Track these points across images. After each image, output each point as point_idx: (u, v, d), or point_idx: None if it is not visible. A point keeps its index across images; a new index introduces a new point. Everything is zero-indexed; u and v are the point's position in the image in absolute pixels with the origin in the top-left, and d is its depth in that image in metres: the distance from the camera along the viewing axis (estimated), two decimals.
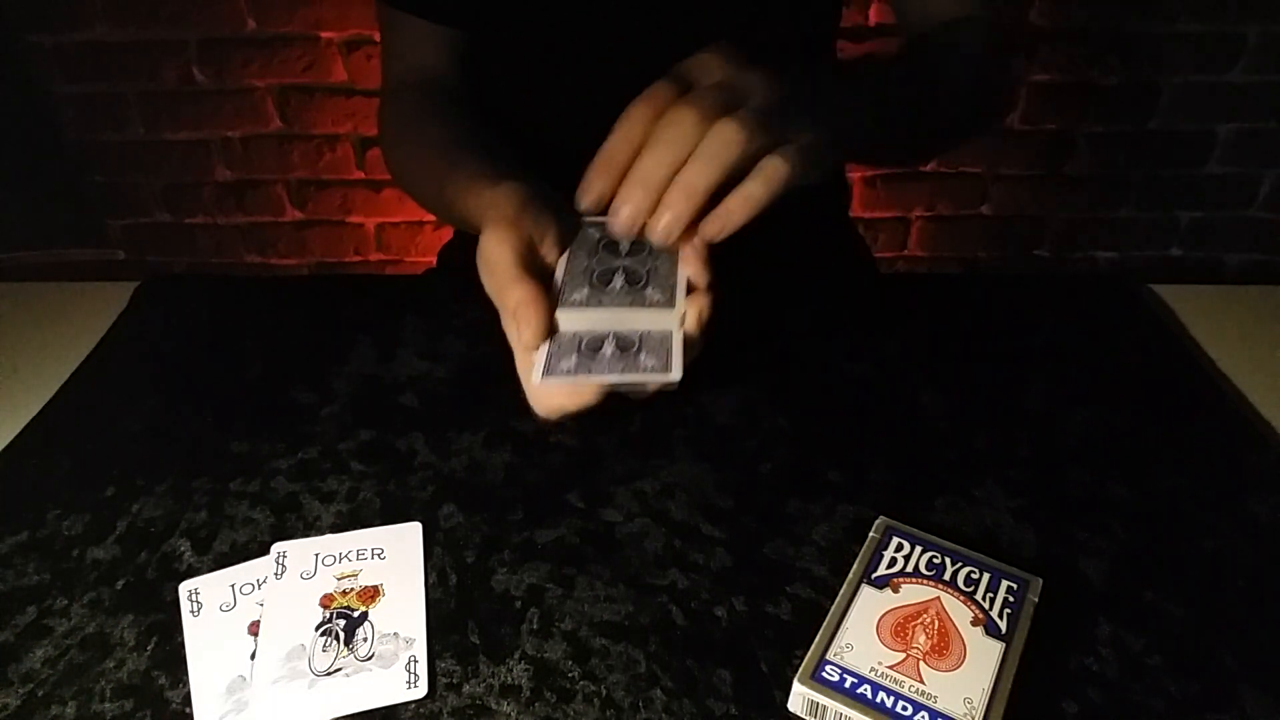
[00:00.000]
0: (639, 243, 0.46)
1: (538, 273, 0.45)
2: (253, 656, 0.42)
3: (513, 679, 0.42)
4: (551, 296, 0.44)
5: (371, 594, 0.45)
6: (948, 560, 0.45)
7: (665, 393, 0.58)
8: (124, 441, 0.56)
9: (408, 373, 0.61)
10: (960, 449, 0.55)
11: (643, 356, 0.43)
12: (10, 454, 0.55)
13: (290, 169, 1.67)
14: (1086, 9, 1.52)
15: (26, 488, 0.52)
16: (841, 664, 0.40)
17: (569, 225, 0.48)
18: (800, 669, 0.40)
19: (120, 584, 0.46)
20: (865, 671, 0.40)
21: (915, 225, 1.75)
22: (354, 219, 1.73)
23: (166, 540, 0.49)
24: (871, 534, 0.47)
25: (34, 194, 1.68)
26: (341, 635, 0.43)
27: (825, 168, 0.47)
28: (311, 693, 0.41)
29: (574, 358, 0.43)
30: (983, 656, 0.40)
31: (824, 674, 0.40)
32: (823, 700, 0.39)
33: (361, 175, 1.67)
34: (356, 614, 0.44)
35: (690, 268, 0.45)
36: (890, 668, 0.40)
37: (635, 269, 0.45)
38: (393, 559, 0.47)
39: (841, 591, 0.44)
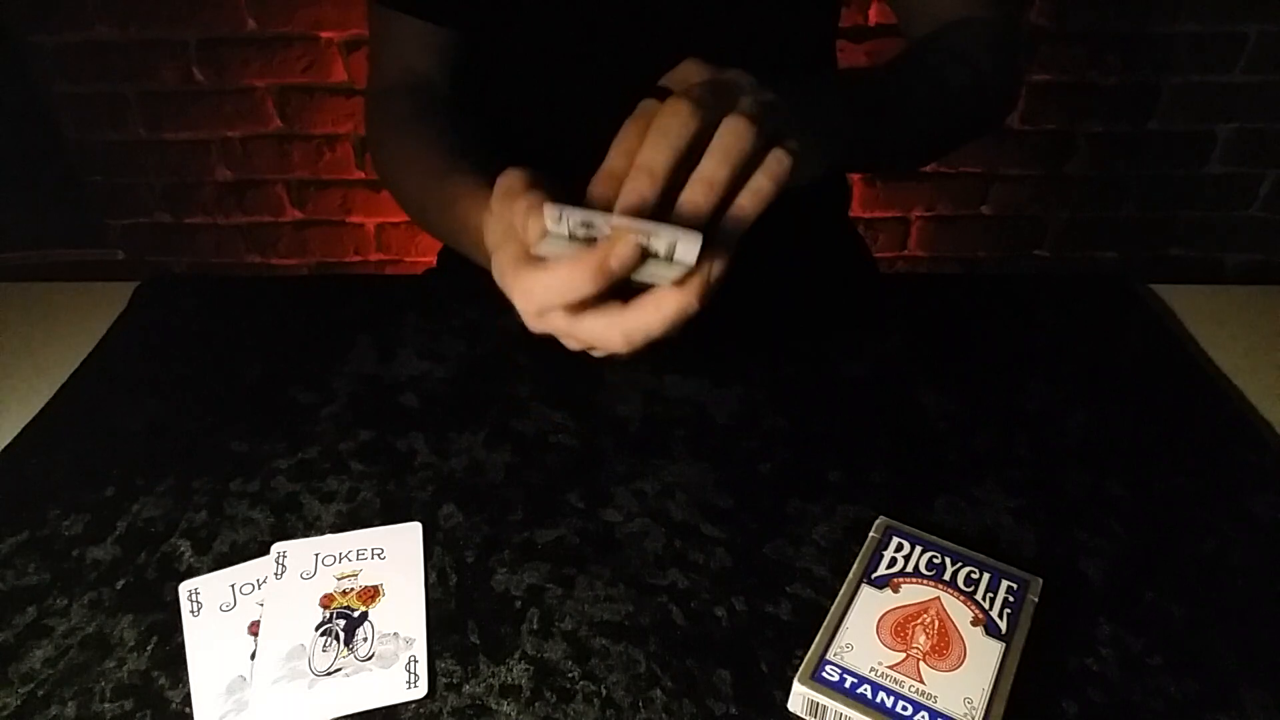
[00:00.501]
0: None
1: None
2: (253, 656, 0.42)
3: (513, 679, 0.42)
4: None
5: (371, 594, 0.45)
6: (948, 560, 0.45)
7: (665, 394, 0.58)
8: (124, 441, 0.56)
9: (408, 373, 0.61)
10: (960, 449, 0.55)
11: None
12: (10, 454, 0.55)
13: (290, 169, 1.67)
14: (1086, 9, 1.52)
15: (26, 488, 0.52)
16: (841, 664, 0.40)
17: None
18: (800, 669, 0.40)
19: (120, 584, 0.46)
20: (865, 671, 0.40)
21: (915, 225, 1.75)
22: (354, 219, 1.73)
23: (166, 540, 0.49)
24: (871, 534, 0.47)
25: (34, 194, 1.68)
26: (341, 635, 0.43)
27: (815, 167, 0.47)
28: (311, 693, 0.41)
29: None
30: (983, 656, 0.40)
31: (824, 674, 0.40)
32: (823, 700, 0.39)
33: (361, 175, 1.67)
34: (356, 614, 0.44)
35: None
36: (890, 668, 0.40)
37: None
38: (393, 559, 0.47)
39: (841, 591, 0.44)
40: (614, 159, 0.44)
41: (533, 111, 0.75)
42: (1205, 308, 0.69)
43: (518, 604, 0.45)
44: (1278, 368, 0.63)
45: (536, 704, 0.40)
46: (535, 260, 0.43)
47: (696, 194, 0.42)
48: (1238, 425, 0.57)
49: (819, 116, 0.49)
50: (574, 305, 0.42)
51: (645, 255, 0.41)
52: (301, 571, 0.46)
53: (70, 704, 0.41)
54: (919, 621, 0.42)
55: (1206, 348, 0.65)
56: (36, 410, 0.58)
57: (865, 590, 0.44)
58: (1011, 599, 0.43)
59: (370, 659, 0.42)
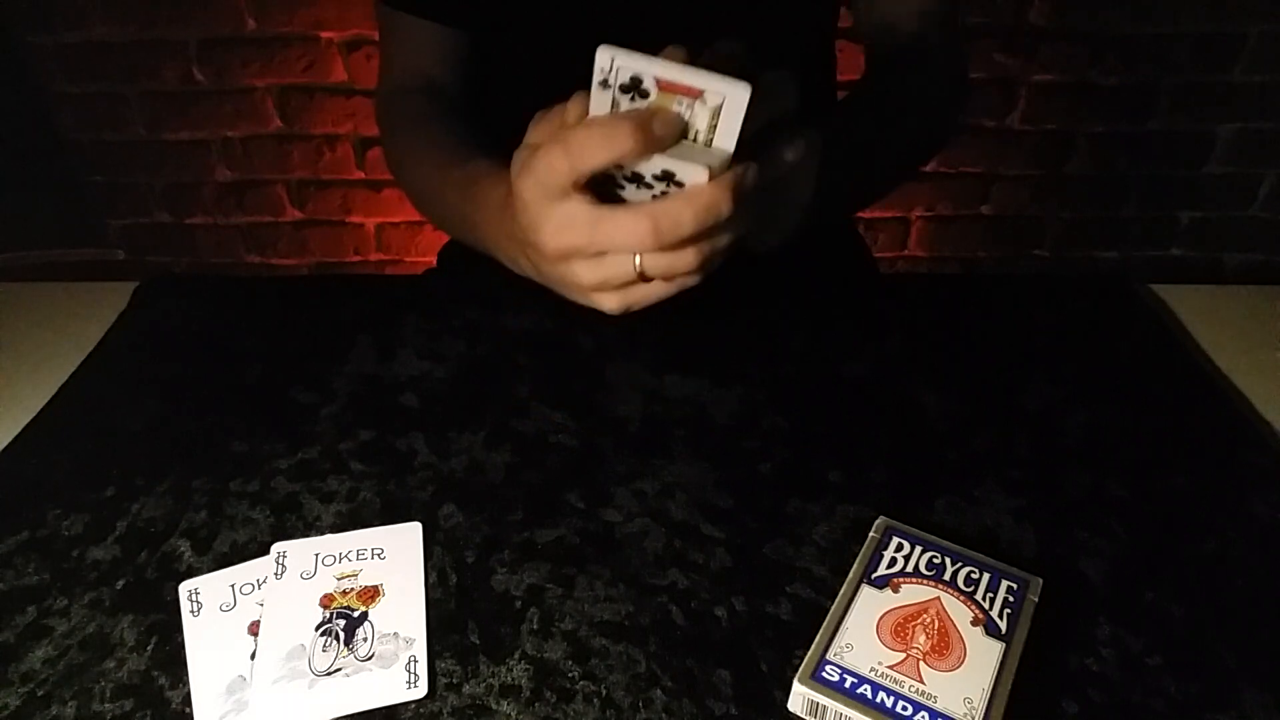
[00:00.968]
0: None
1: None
2: (253, 656, 0.42)
3: (513, 679, 0.42)
4: None
5: (371, 594, 0.45)
6: (948, 560, 0.45)
7: (665, 394, 0.58)
8: (124, 441, 0.56)
9: (408, 373, 0.61)
10: (960, 449, 0.55)
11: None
12: (10, 454, 0.55)
13: (290, 169, 1.67)
14: (1086, 9, 1.52)
15: (26, 488, 0.52)
16: (841, 664, 0.40)
17: None
18: (800, 669, 0.40)
19: (120, 584, 0.46)
20: (865, 671, 0.40)
21: (915, 225, 1.76)
22: (354, 219, 1.73)
23: (166, 540, 0.49)
24: (871, 534, 0.47)
25: (34, 194, 1.68)
26: (341, 635, 0.43)
27: (781, 234, 0.51)
28: (311, 693, 0.41)
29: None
30: (983, 656, 0.40)
31: (824, 674, 0.40)
32: (823, 700, 0.39)
33: (361, 175, 1.67)
34: (356, 614, 0.44)
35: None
36: (890, 668, 0.40)
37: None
38: (393, 559, 0.47)
39: (841, 591, 0.44)
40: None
41: (537, 110, 0.75)
42: (1205, 308, 0.69)
43: (518, 604, 0.45)
44: (1278, 368, 0.63)
45: (536, 704, 0.40)
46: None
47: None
48: (1238, 425, 0.57)
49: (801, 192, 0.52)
50: (595, 201, 0.42)
51: (683, 138, 0.40)
52: (301, 571, 0.46)
53: (70, 704, 0.41)
54: (919, 621, 0.42)
55: (1206, 348, 0.65)
56: (36, 410, 0.58)
57: (865, 590, 0.44)
58: (1011, 599, 0.43)
59: (370, 659, 0.42)
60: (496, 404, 0.58)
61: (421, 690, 0.41)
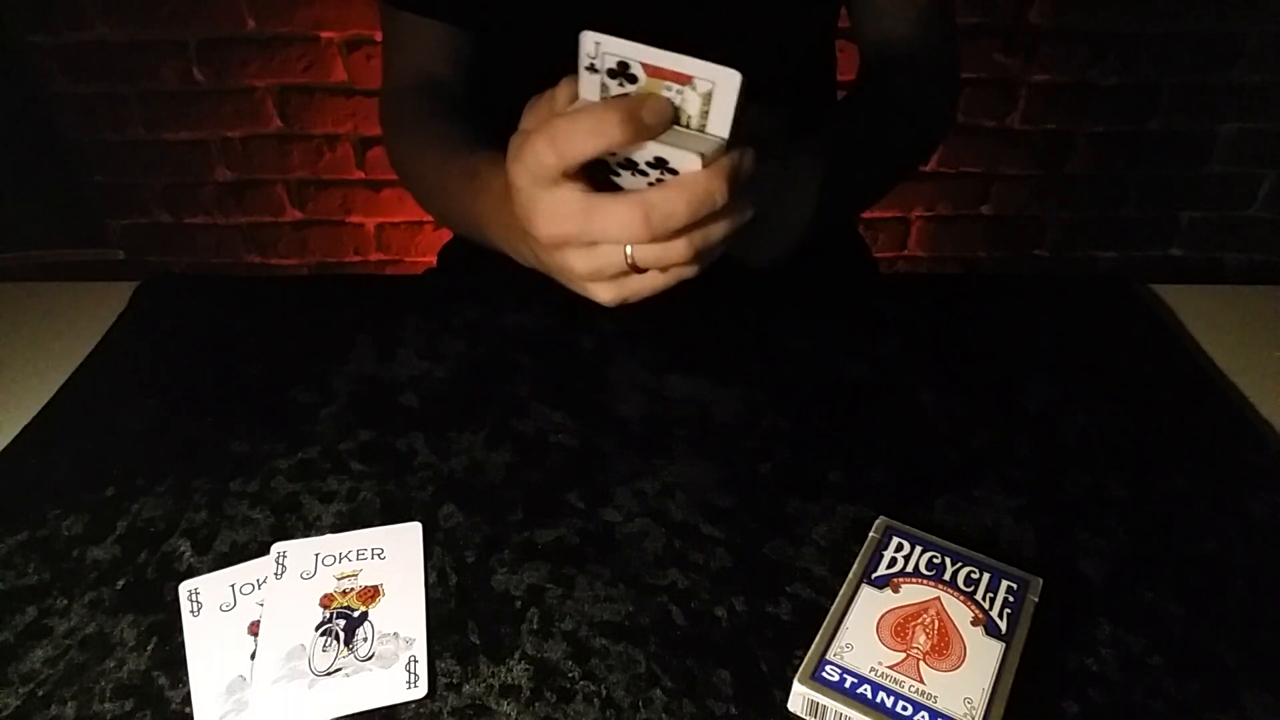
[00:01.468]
0: None
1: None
2: (253, 656, 0.42)
3: (513, 679, 0.42)
4: None
5: (371, 594, 0.45)
6: (948, 560, 0.45)
7: (665, 394, 0.58)
8: (124, 441, 0.56)
9: (408, 373, 0.61)
10: (960, 449, 0.55)
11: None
12: (10, 454, 0.55)
13: (290, 169, 1.67)
14: (1086, 9, 1.52)
15: (26, 488, 0.52)
16: (841, 664, 0.40)
17: None
18: (800, 669, 0.40)
19: (120, 584, 0.46)
20: (865, 671, 0.40)
21: (915, 225, 1.76)
22: (354, 219, 1.73)
23: (166, 540, 0.49)
24: (871, 534, 0.47)
25: (34, 194, 1.68)
26: (341, 635, 0.43)
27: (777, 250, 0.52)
28: (311, 693, 0.41)
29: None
30: (983, 656, 0.40)
31: (824, 674, 0.40)
32: (823, 700, 0.39)
33: (361, 175, 1.67)
34: (356, 614, 0.44)
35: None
36: (890, 668, 0.40)
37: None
38: (393, 559, 0.47)
39: (841, 591, 0.44)
40: None
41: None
42: (1205, 308, 0.69)
43: (518, 604, 0.45)
44: (1278, 367, 0.63)
45: (536, 704, 0.40)
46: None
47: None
48: (1238, 425, 0.57)
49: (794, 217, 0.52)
50: (588, 188, 0.41)
51: (675, 124, 0.39)
52: (301, 571, 0.46)
53: (70, 704, 0.41)
54: (919, 621, 0.42)
55: (1206, 348, 0.65)
56: (36, 410, 0.58)
57: (865, 590, 0.44)
58: (1011, 599, 0.43)
59: (370, 659, 0.42)
60: (496, 404, 0.58)
61: (421, 690, 0.41)
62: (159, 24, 1.52)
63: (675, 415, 0.57)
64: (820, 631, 0.42)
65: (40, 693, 0.41)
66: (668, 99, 0.39)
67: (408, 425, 0.56)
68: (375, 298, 0.70)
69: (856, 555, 0.46)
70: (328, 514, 0.50)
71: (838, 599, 0.43)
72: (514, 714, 0.40)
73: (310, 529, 0.49)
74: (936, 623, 0.42)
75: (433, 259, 0.91)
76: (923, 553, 0.46)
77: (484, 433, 0.56)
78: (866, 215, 1.72)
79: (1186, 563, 0.48)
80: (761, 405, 0.58)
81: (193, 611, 0.44)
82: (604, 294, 0.47)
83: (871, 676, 0.39)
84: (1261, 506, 0.51)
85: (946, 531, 0.47)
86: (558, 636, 0.43)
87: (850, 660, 0.40)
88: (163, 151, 1.65)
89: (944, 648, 0.41)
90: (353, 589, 0.45)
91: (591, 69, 0.40)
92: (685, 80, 0.38)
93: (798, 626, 0.44)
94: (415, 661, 0.42)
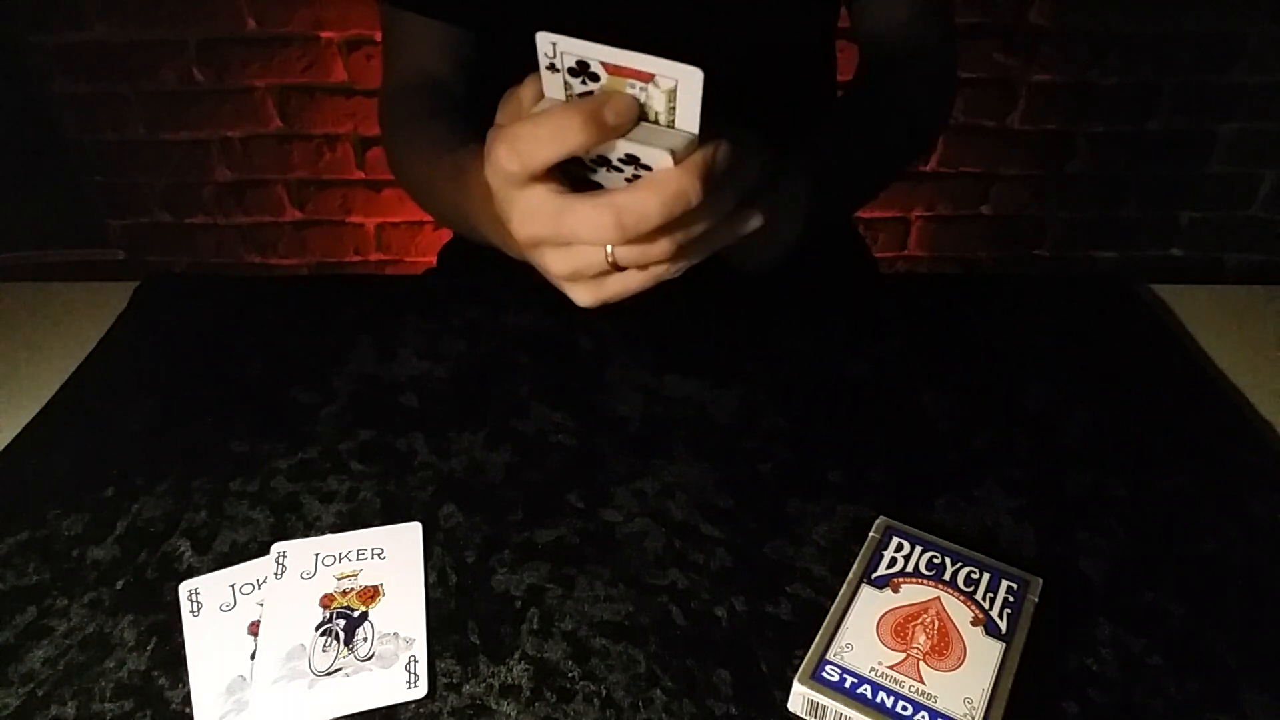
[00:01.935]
0: None
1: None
2: (253, 656, 0.42)
3: (513, 679, 0.42)
4: None
5: (371, 594, 0.45)
6: (948, 560, 0.45)
7: (665, 394, 0.58)
8: (124, 441, 0.56)
9: (408, 373, 0.61)
10: (960, 449, 0.55)
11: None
12: (10, 454, 0.55)
13: (290, 169, 1.67)
14: (1086, 9, 1.52)
15: (26, 488, 0.52)
16: (841, 664, 0.40)
17: None
18: (800, 669, 0.40)
19: (120, 584, 0.46)
20: (865, 671, 0.40)
21: (915, 225, 1.75)
22: (354, 219, 1.73)
23: (166, 540, 0.49)
24: (871, 534, 0.47)
25: (34, 194, 1.68)
26: (341, 635, 0.43)
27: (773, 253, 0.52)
28: (311, 693, 0.41)
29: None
30: (983, 656, 0.40)
31: (824, 674, 0.40)
32: (823, 700, 0.39)
33: (361, 175, 1.67)
34: (356, 614, 0.44)
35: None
36: (890, 668, 0.40)
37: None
38: (393, 559, 0.47)
39: (841, 591, 0.44)
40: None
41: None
42: (1205, 308, 0.69)
43: (518, 604, 0.45)
44: (1278, 368, 0.63)
45: (536, 704, 0.40)
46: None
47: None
48: (1238, 425, 0.57)
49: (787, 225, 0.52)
50: (561, 187, 0.40)
51: (643, 119, 0.38)
52: (301, 571, 0.46)
53: (70, 704, 0.41)
54: (919, 621, 0.42)
55: (1206, 348, 0.65)
56: (36, 410, 0.58)
57: (865, 590, 0.44)
58: (1011, 599, 0.43)
59: (370, 659, 0.42)
60: (496, 404, 0.58)
61: (421, 690, 0.41)
62: (159, 24, 1.52)
63: (675, 415, 0.57)
64: (820, 631, 0.41)
65: (40, 693, 0.41)
66: (631, 96, 0.38)
67: (408, 425, 0.56)
68: (375, 298, 0.70)
69: (856, 555, 0.46)
70: (328, 514, 0.50)
71: (838, 599, 0.43)
72: (514, 714, 0.40)
73: (310, 529, 0.49)
74: (936, 623, 0.42)
75: (433, 259, 0.91)
76: (923, 553, 0.46)
77: (484, 433, 0.56)
78: (866, 215, 1.72)
79: (1186, 563, 0.48)
80: (761, 405, 0.58)
81: (193, 611, 0.44)
82: (581, 295, 0.46)
83: (871, 676, 0.39)
84: (1261, 506, 0.51)
85: (946, 531, 0.47)
86: (558, 636, 0.43)
87: (850, 660, 0.40)
88: (163, 151, 1.65)
89: (944, 648, 0.41)
90: (353, 589, 0.45)
91: (552, 68, 0.40)
92: (647, 78, 0.38)
93: (798, 626, 0.44)
94: (415, 661, 0.42)
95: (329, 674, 0.41)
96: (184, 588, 0.46)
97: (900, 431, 0.56)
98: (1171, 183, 1.71)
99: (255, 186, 1.69)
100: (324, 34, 1.53)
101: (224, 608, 0.45)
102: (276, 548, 0.47)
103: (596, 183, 0.43)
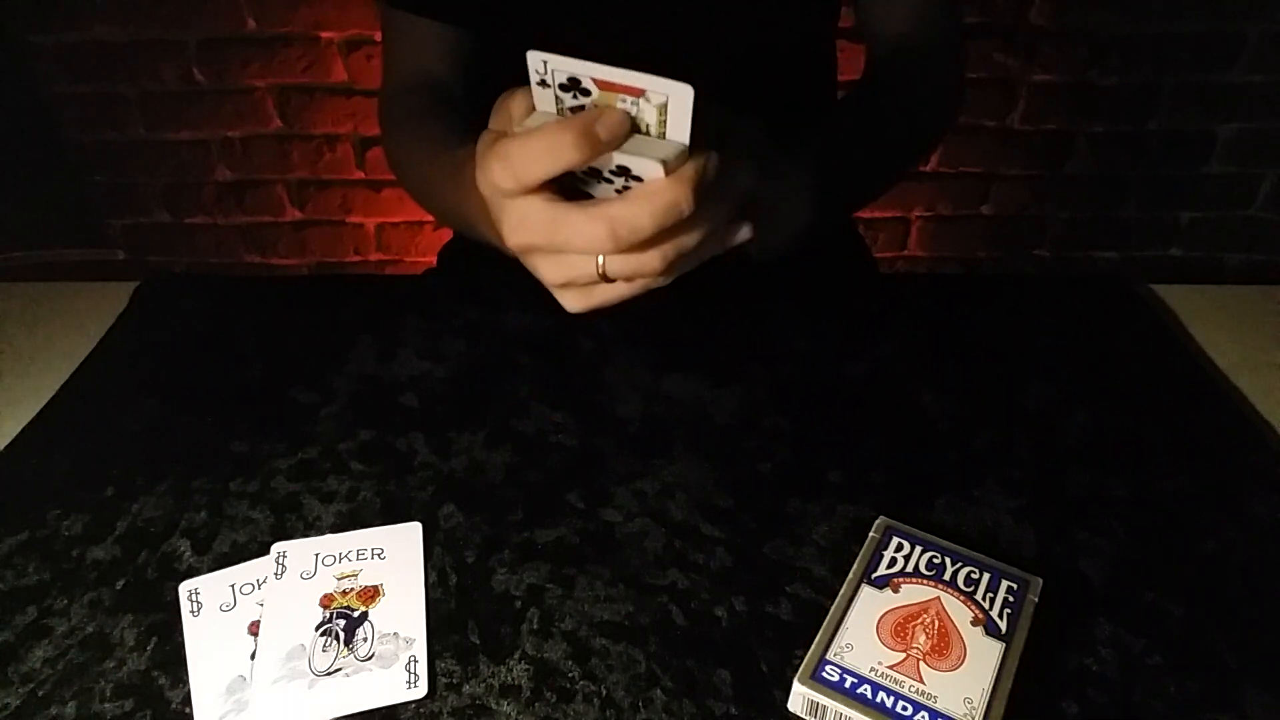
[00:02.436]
0: None
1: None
2: (253, 656, 0.42)
3: (513, 679, 0.42)
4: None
5: (371, 594, 0.45)
6: (948, 560, 0.45)
7: (665, 394, 0.58)
8: (124, 441, 0.56)
9: (408, 373, 0.61)
10: (960, 449, 0.55)
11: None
12: (10, 454, 0.55)
13: (290, 169, 1.67)
14: (1086, 9, 1.52)
15: (26, 488, 0.52)
16: (841, 664, 0.40)
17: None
18: (800, 669, 0.40)
19: (120, 584, 0.46)
20: (865, 671, 0.40)
21: (915, 225, 1.75)
22: (354, 219, 1.73)
23: (166, 540, 0.49)
24: (871, 534, 0.47)
25: (34, 194, 1.68)
26: (341, 635, 0.43)
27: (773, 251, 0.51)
28: (311, 693, 0.41)
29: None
30: (983, 656, 0.40)
31: (824, 674, 0.40)
32: (823, 700, 0.39)
33: (361, 175, 1.67)
34: (356, 614, 0.44)
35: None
36: (890, 668, 0.40)
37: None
38: (393, 559, 0.47)
39: (841, 591, 0.44)
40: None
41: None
42: (1205, 308, 0.69)
43: (518, 604, 0.45)
44: (1278, 368, 0.63)
45: (536, 704, 0.40)
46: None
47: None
48: (1238, 425, 0.57)
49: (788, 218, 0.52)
50: (554, 197, 0.40)
51: (635, 131, 0.39)
52: (301, 571, 0.46)
53: (70, 704, 0.41)
54: (919, 621, 0.42)
55: (1206, 348, 0.65)
56: (36, 410, 0.58)
57: (865, 590, 0.44)
58: (1011, 599, 0.43)
59: (370, 659, 0.42)
60: (496, 404, 0.58)
61: (421, 690, 0.41)
62: (159, 24, 1.51)
63: (675, 415, 0.57)
64: (820, 631, 0.42)
65: (40, 693, 0.41)
66: (623, 111, 0.39)
67: (408, 425, 0.56)
68: (375, 298, 0.70)
69: (856, 555, 0.46)
70: (328, 514, 0.50)
71: (838, 599, 0.43)
72: (514, 714, 0.40)
73: (310, 529, 0.49)
74: (936, 623, 0.42)
75: (433, 259, 0.91)
76: (923, 553, 0.46)
77: (484, 433, 0.56)
78: (866, 215, 1.72)
79: (1186, 563, 0.48)
80: (761, 405, 0.58)
81: (193, 611, 0.44)
82: (571, 302, 0.46)
83: (871, 676, 0.39)
84: (1261, 506, 0.51)
85: (946, 531, 0.47)
86: (558, 636, 0.43)
87: (850, 660, 0.40)
88: (163, 151, 1.65)
89: (944, 648, 0.41)
90: (353, 589, 0.45)
91: (543, 84, 0.40)
92: (638, 93, 0.38)
93: (798, 626, 0.44)
94: (415, 661, 0.42)
95: (329, 674, 0.41)
96: (184, 588, 0.46)
97: (900, 431, 0.56)
98: (1171, 183, 1.71)
99: (255, 186, 1.69)
100: (324, 34, 1.53)
101: (224, 608, 0.45)
102: (276, 548, 0.47)
103: (587, 192, 0.44)
